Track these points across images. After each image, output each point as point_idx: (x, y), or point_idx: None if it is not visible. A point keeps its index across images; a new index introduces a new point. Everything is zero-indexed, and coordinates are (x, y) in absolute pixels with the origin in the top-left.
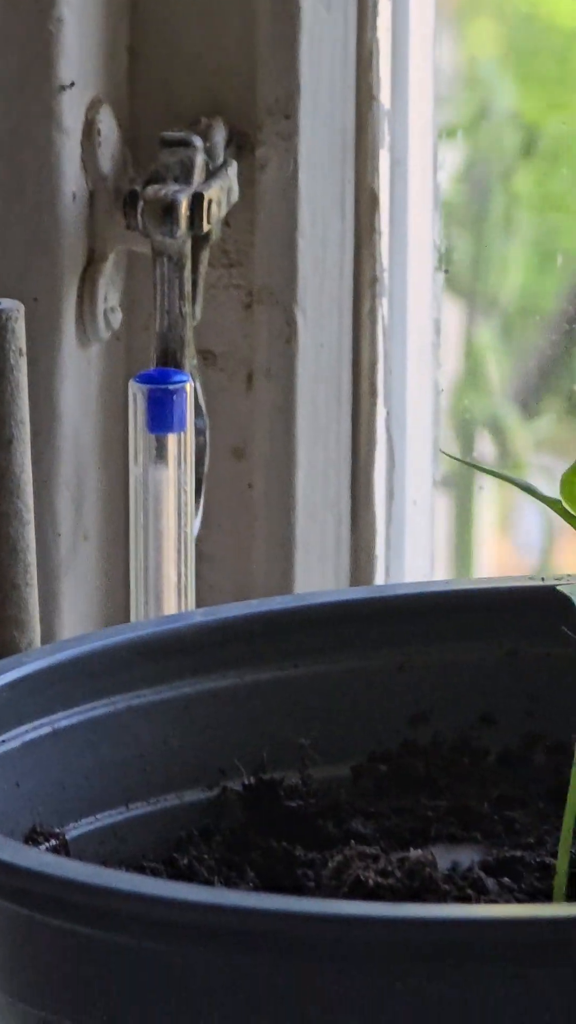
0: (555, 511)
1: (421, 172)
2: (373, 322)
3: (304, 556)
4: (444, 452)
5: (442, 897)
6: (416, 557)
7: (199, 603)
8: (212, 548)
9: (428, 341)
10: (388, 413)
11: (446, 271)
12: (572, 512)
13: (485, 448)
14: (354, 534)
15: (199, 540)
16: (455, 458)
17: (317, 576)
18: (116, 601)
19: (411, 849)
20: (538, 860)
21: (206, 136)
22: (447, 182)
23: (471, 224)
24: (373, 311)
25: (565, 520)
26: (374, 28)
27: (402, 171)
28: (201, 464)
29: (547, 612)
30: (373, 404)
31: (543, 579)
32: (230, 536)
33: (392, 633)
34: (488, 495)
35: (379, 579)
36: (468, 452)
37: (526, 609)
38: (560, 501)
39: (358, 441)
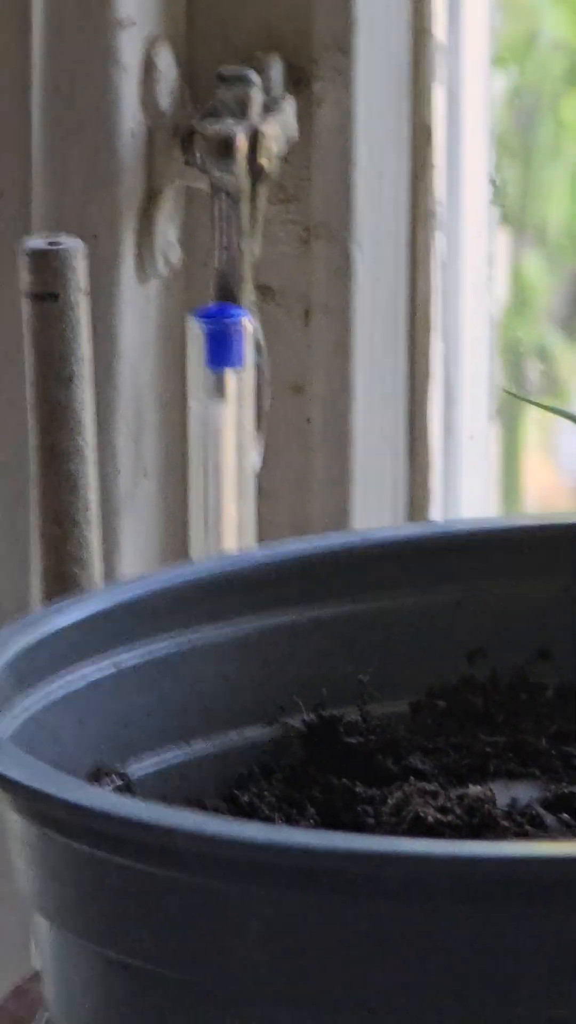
0: None
1: (476, 106)
2: (428, 256)
3: (361, 490)
4: (505, 390)
5: (502, 833)
6: (473, 491)
7: (259, 538)
8: (271, 483)
9: (483, 275)
10: (446, 347)
11: (502, 205)
12: None
13: (533, 375)
14: (411, 468)
15: (258, 476)
16: (516, 395)
17: (374, 510)
18: (176, 538)
19: (470, 785)
20: None
21: (263, 71)
22: (494, 111)
23: (519, 153)
24: (428, 245)
25: None
26: None
27: (457, 105)
28: (259, 400)
29: None
30: (429, 338)
31: None
32: (289, 471)
33: (449, 569)
34: (532, 419)
35: (435, 513)
36: (517, 380)
37: None
38: None
39: (415, 376)
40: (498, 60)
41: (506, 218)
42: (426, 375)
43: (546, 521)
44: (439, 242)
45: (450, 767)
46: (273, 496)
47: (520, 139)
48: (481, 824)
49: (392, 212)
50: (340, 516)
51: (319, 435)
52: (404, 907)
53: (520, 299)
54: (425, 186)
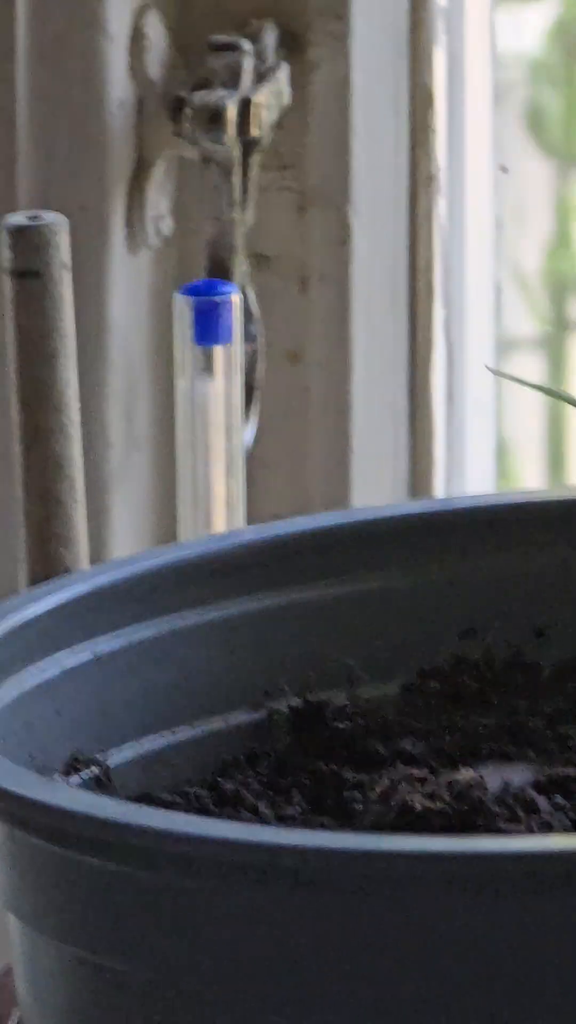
0: None
1: (479, 69)
2: (429, 222)
3: (361, 460)
4: (489, 368)
5: (492, 820)
6: (478, 458)
7: (256, 507)
8: (268, 453)
9: (488, 239)
10: (447, 314)
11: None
12: None
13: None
14: (413, 436)
15: (255, 445)
16: (500, 374)
17: (375, 480)
18: (168, 514)
19: (461, 770)
20: None
21: (256, 39)
22: (536, 41)
23: (564, 84)
24: (429, 211)
25: None
26: None
27: (459, 68)
28: (252, 372)
29: None
30: (430, 305)
31: None
32: (287, 440)
33: (440, 548)
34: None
35: (439, 482)
36: (560, 313)
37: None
38: None
39: (416, 343)
40: None
41: (550, 149)
42: (427, 342)
43: (538, 497)
44: (440, 207)
45: (442, 750)
46: (271, 465)
47: (565, 70)
48: (471, 810)
49: (391, 177)
50: (339, 485)
51: (318, 403)
52: (363, 904)
53: (563, 231)
54: (425, 151)
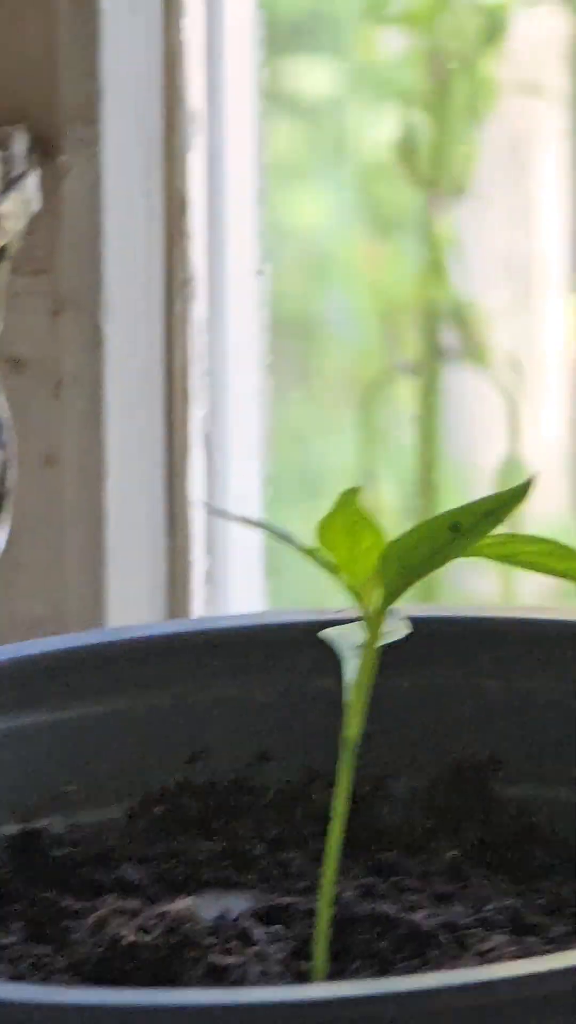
0: (312, 559)
1: (241, 172)
2: (185, 326)
3: (117, 564)
4: (208, 506)
5: (203, 952)
6: (239, 559)
7: (11, 611)
8: (24, 556)
9: (252, 340)
10: (210, 417)
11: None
12: (331, 560)
13: (449, 339)
14: (171, 540)
15: (10, 548)
16: (220, 514)
17: (132, 585)
18: None
19: (177, 898)
20: (308, 907)
21: (5, 145)
22: (407, 69)
23: (435, 112)
24: (185, 315)
25: (324, 568)
26: (181, 29)
27: (219, 172)
28: (4, 477)
29: (323, 647)
30: (187, 408)
31: (323, 613)
32: (41, 545)
33: (166, 671)
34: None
35: (197, 585)
36: (432, 343)
37: (303, 644)
38: (317, 549)
39: (173, 446)
40: (411, 19)
41: (420, 177)
42: (184, 444)
43: (266, 620)
44: (197, 311)
45: (163, 876)
46: (26, 568)
47: (435, 98)
48: (181, 943)
49: (145, 282)
50: (94, 590)
51: (72, 508)
52: None
53: (434, 260)
54: (180, 255)
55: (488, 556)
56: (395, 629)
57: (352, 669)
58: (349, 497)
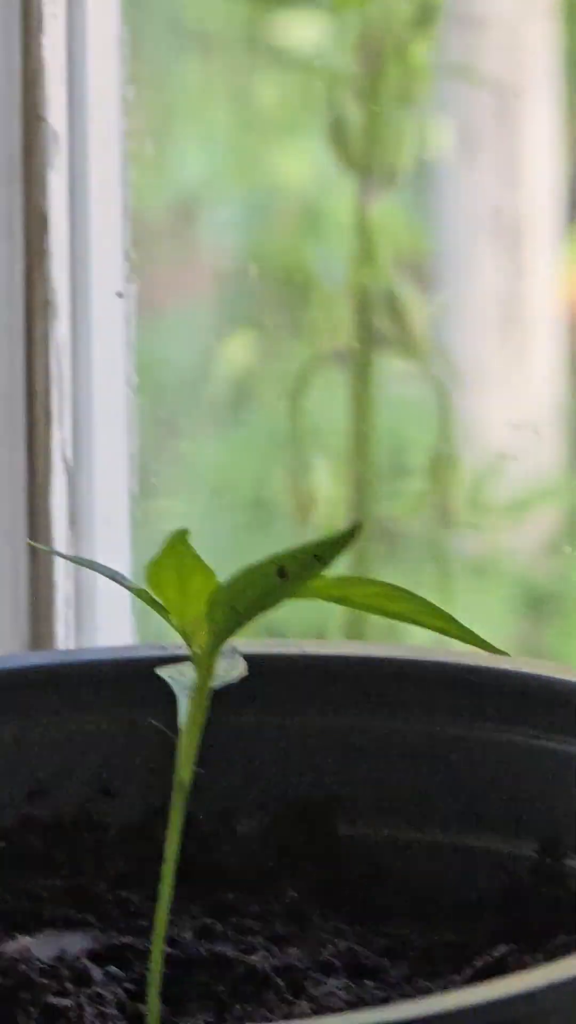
0: (142, 600)
1: (104, 192)
2: (47, 347)
3: None
4: (30, 543)
5: (38, 993)
6: (107, 590)
7: None
8: None
9: (117, 363)
10: (74, 439)
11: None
12: (158, 600)
13: (382, 326)
14: (33, 563)
15: None
16: (38, 547)
17: None
18: None
19: (13, 938)
20: (148, 947)
21: None
22: (335, 56)
23: (366, 97)
24: (46, 335)
25: (152, 608)
26: (41, 47)
27: (83, 192)
28: None
29: (162, 683)
30: (48, 430)
31: (167, 648)
32: None
33: (4, 705)
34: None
35: (60, 608)
36: (366, 328)
37: (145, 679)
38: (146, 590)
39: (35, 468)
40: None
41: (352, 162)
42: (46, 466)
43: (107, 655)
44: (59, 332)
45: (4, 915)
46: None
47: (367, 83)
48: (17, 985)
49: (5, 303)
50: None
51: None
52: None
53: (366, 246)
54: (41, 275)
55: (322, 597)
56: (231, 669)
57: (185, 710)
58: (178, 539)
